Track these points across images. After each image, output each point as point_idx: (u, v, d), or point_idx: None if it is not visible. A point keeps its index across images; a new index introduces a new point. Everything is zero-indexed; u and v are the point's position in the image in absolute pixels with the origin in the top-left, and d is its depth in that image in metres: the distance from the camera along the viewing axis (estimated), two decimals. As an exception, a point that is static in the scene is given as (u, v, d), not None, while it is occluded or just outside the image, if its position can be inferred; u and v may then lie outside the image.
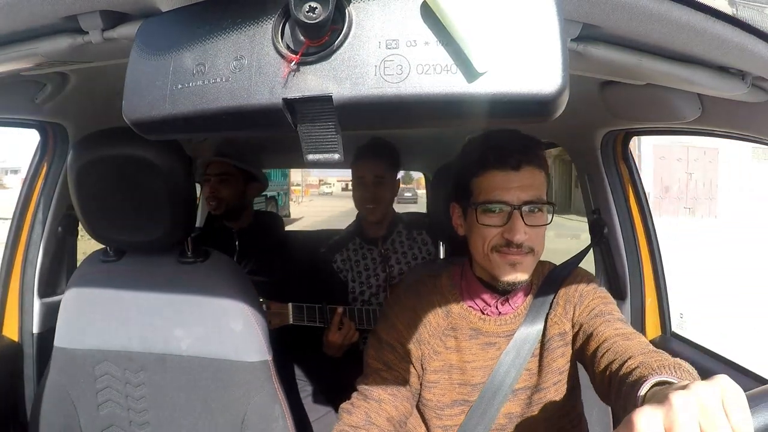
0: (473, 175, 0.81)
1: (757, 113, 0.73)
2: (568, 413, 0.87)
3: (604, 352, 0.72)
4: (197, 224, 1.61)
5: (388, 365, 0.86)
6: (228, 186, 1.56)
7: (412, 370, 0.86)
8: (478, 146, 0.82)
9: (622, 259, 1.26)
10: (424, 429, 0.88)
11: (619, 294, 1.27)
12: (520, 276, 0.79)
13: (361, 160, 1.54)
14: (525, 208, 0.77)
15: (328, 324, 1.31)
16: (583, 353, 0.80)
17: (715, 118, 0.84)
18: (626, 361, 0.66)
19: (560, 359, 0.84)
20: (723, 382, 0.37)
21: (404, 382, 0.85)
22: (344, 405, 0.86)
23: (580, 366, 0.87)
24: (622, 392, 0.61)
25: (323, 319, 1.32)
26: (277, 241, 1.66)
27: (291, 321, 1.32)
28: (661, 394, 0.41)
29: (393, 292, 0.97)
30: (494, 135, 0.82)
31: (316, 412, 1.51)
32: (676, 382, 0.52)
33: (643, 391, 0.52)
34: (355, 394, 0.87)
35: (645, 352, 0.66)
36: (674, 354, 0.78)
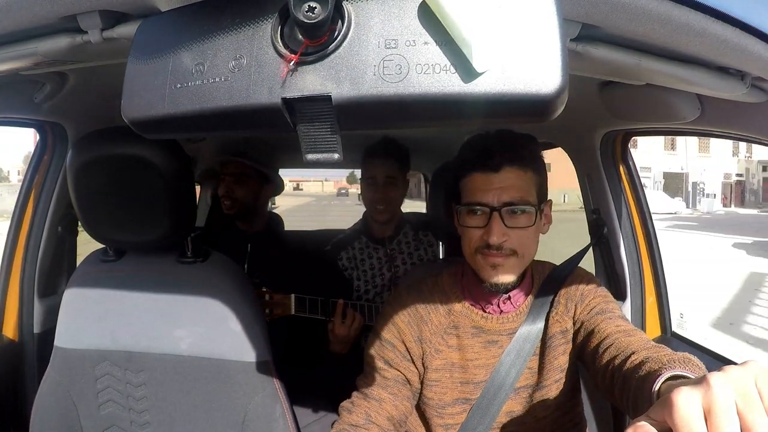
0: (460, 176, 0.83)
1: (757, 113, 0.73)
2: (568, 411, 0.87)
3: (606, 348, 0.72)
4: (197, 224, 1.61)
5: (389, 363, 0.86)
6: (243, 186, 1.55)
7: (413, 368, 0.86)
8: (465, 148, 0.84)
9: (622, 259, 1.26)
10: (424, 429, 0.88)
11: (619, 294, 1.27)
12: (503, 278, 0.79)
13: (372, 159, 1.52)
14: (504, 210, 0.77)
15: (330, 317, 1.31)
16: (584, 350, 0.80)
17: (715, 119, 0.84)
18: (629, 356, 0.66)
19: (562, 357, 0.84)
20: (755, 366, 0.37)
21: (405, 381, 0.85)
22: (344, 404, 0.86)
23: (580, 365, 0.87)
24: (629, 387, 0.61)
25: (325, 311, 1.32)
26: (286, 246, 1.65)
27: (293, 312, 1.32)
28: (682, 382, 0.42)
29: (394, 291, 0.97)
30: (481, 136, 0.83)
31: (317, 412, 1.51)
32: (690, 376, 0.52)
33: (657, 386, 0.52)
34: (355, 393, 0.87)
35: (648, 348, 0.67)
36: None
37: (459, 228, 0.85)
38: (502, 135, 0.82)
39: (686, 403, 0.35)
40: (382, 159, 1.51)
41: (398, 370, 0.85)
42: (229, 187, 1.55)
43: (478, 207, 0.78)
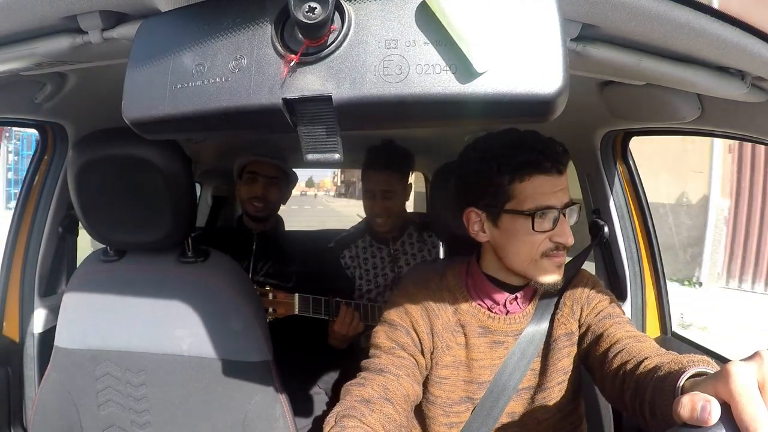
0: (516, 179, 0.78)
1: (757, 113, 0.73)
2: (569, 414, 0.86)
3: (617, 353, 0.73)
4: (197, 224, 1.61)
5: (403, 347, 0.81)
6: (276, 188, 1.52)
7: (423, 361, 0.83)
8: (517, 150, 0.78)
9: (622, 259, 1.26)
10: (420, 429, 0.87)
11: (619, 294, 1.27)
12: (562, 274, 0.81)
13: (370, 171, 1.49)
14: (566, 211, 0.79)
15: (333, 316, 1.31)
16: (591, 353, 0.80)
17: (715, 119, 0.84)
18: (642, 361, 0.67)
19: (565, 359, 0.84)
20: None
21: (416, 366, 0.81)
22: (351, 383, 0.77)
23: (584, 368, 0.87)
24: (644, 389, 0.62)
25: (328, 311, 1.32)
26: (291, 245, 1.64)
27: (296, 311, 1.32)
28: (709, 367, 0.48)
29: (400, 285, 0.93)
30: (530, 138, 0.80)
31: (317, 412, 1.51)
32: (712, 371, 0.53)
33: (681, 381, 0.53)
34: (364, 373, 0.79)
35: (661, 354, 0.68)
36: None
37: (504, 234, 0.80)
38: (548, 138, 0.81)
39: (743, 373, 0.36)
40: (380, 172, 1.47)
41: (412, 356, 0.81)
42: (264, 189, 1.50)
43: (549, 211, 0.77)
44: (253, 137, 1.59)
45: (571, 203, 0.79)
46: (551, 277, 0.79)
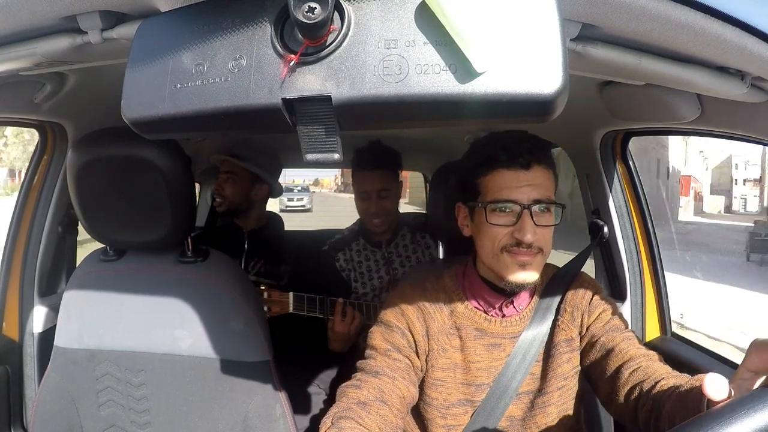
0: (482, 174, 0.80)
1: (757, 113, 0.73)
2: (568, 419, 0.86)
3: (632, 371, 0.73)
4: (197, 224, 1.61)
5: (399, 350, 0.81)
6: (232, 185, 1.57)
7: (418, 362, 0.82)
8: (487, 145, 0.81)
9: (621, 259, 1.26)
10: (419, 431, 0.87)
11: (619, 294, 1.27)
12: (530, 276, 0.78)
13: (362, 170, 1.48)
14: (535, 208, 0.76)
15: (328, 315, 1.30)
16: (599, 366, 0.79)
17: (715, 119, 0.84)
18: (659, 381, 0.67)
19: (565, 365, 0.84)
20: None
21: (412, 368, 0.81)
22: (346, 384, 0.76)
23: (584, 377, 0.86)
24: (661, 405, 0.64)
25: (323, 309, 1.32)
26: (284, 245, 1.66)
27: (291, 310, 1.32)
28: None
29: (398, 287, 0.93)
30: (503, 135, 0.81)
31: (315, 411, 1.51)
32: None
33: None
34: (359, 374, 0.78)
35: (676, 375, 0.69)
36: (675, 354, 0.79)
37: (475, 227, 0.83)
38: (527, 135, 0.80)
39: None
40: (374, 172, 1.46)
41: (407, 358, 0.81)
42: (219, 185, 1.58)
43: (508, 204, 0.77)
44: (229, 138, 1.62)
45: (543, 201, 0.77)
46: (513, 274, 0.78)
